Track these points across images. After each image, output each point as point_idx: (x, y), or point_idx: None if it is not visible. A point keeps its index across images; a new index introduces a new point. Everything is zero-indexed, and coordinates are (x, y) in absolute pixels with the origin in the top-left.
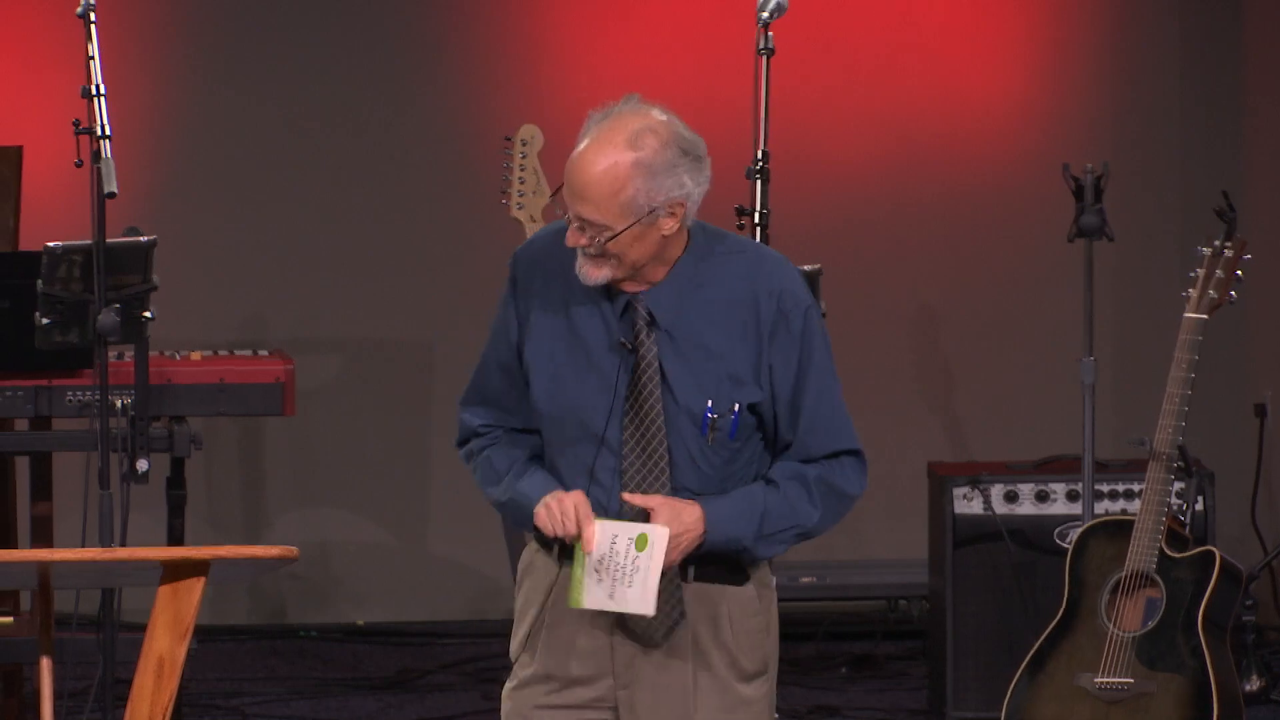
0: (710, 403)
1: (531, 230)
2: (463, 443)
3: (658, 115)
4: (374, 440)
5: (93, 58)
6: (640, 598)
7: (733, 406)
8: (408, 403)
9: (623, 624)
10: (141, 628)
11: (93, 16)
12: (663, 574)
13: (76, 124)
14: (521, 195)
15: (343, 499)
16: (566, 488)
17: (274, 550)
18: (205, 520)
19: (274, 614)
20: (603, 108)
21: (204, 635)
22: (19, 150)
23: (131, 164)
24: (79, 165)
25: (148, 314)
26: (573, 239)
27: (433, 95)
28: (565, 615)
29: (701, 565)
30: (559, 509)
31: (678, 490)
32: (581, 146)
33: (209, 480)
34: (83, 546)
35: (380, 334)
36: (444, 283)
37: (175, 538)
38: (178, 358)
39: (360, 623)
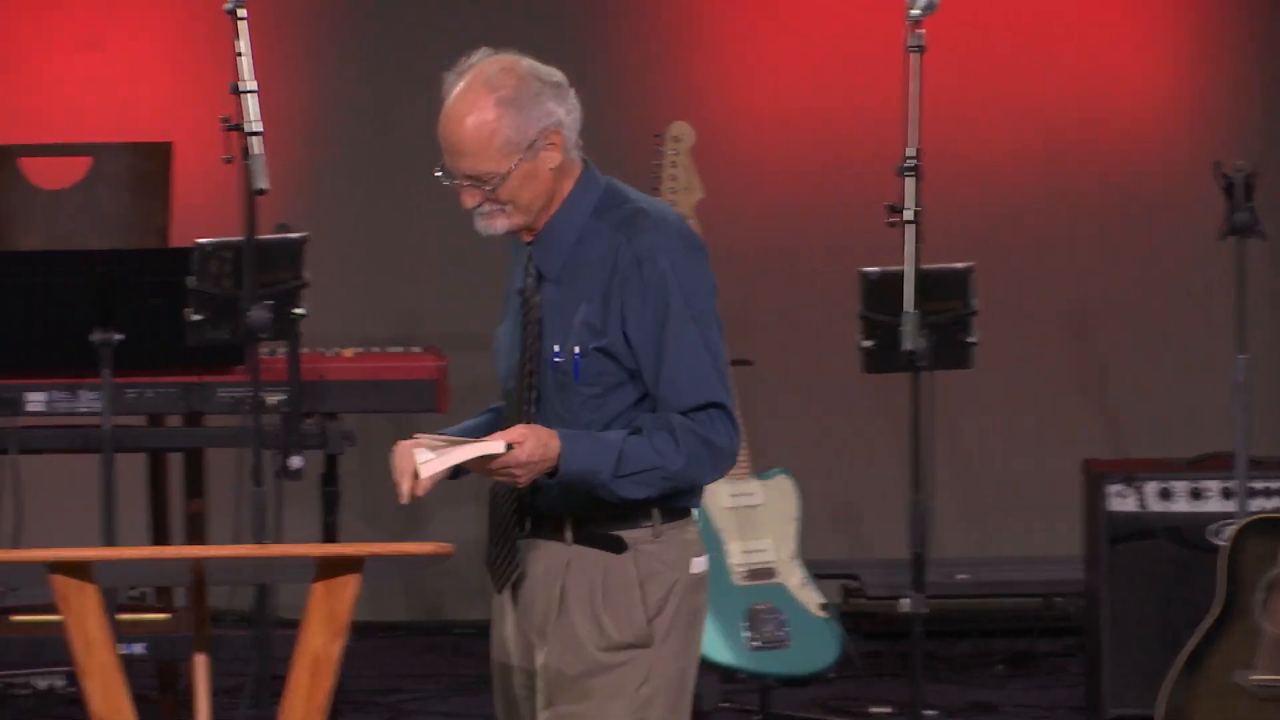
0: (557, 346)
1: None
2: None
3: (509, 56)
4: None
5: (242, 54)
6: (433, 463)
7: (574, 349)
8: None
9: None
10: (296, 624)
11: (241, 12)
12: (506, 521)
13: (226, 120)
14: (673, 192)
15: None
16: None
17: (428, 547)
18: (360, 516)
19: (431, 611)
20: (455, 68)
21: (360, 632)
22: (169, 146)
23: (282, 160)
24: (229, 161)
25: (299, 310)
26: (468, 200)
27: (584, 93)
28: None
29: (580, 529)
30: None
31: None
32: (445, 106)
33: (363, 477)
34: (236, 543)
35: None
36: None
37: (329, 534)
38: (330, 354)
39: None
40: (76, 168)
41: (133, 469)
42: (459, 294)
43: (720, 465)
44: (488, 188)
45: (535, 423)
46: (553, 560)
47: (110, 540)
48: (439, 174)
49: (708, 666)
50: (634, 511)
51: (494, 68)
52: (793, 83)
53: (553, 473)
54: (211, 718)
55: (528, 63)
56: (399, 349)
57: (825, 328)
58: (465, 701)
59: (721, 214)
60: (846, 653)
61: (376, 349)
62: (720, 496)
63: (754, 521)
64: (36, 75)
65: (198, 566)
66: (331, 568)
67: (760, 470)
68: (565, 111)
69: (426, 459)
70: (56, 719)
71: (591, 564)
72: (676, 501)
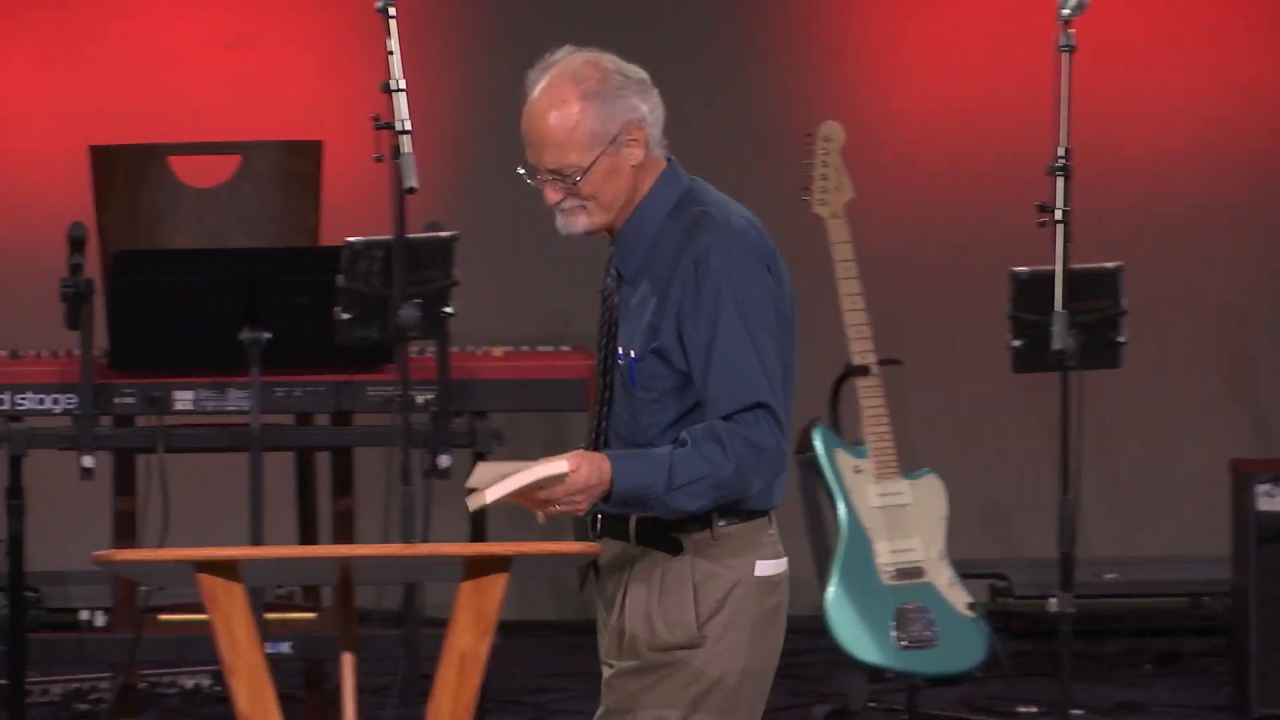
0: (621, 349)
1: (834, 226)
2: None
3: (592, 52)
4: None
5: (392, 52)
6: (497, 487)
7: (631, 352)
8: None
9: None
10: (444, 623)
11: (392, 11)
12: (581, 521)
13: (376, 119)
14: (824, 191)
15: None
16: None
17: (576, 546)
18: (508, 516)
19: (578, 610)
20: (539, 64)
21: (508, 631)
22: (319, 145)
23: (432, 159)
24: (379, 160)
25: (448, 309)
26: (550, 196)
27: (736, 93)
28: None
29: (642, 530)
30: None
31: (610, 436)
32: (529, 101)
33: None
34: (384, 542)
35: None
36: None
37: (477, 533)
38: (479, 353)
39: None
40: (225, 166)
41: (280, 468)
42: None
43: (768, 466)
44: (570, 181)
45: (605, 425)
46: (620, 560)
47: (257, 539)
48: (521, 171)
49: (855, 665)
50: (695, 515)
51: (578, 62)
52: (943, 83)
53: (607, 496)
54: (358, 717)
55: (611, 58)
56: (548, 348)
57: (974, 327)
58: None
59: (871, 214)
60: (994, 652)
61: (525, 348)
62: (869, 496)
63: (902, 521)
64: (186, 73)
65: (345, 565)
66: (479, 567)
67: (909, 470)
68: (649, 108)
69: (476, 485)
70: (203, 718)
71: (652, 564)
72: (741, 505)
